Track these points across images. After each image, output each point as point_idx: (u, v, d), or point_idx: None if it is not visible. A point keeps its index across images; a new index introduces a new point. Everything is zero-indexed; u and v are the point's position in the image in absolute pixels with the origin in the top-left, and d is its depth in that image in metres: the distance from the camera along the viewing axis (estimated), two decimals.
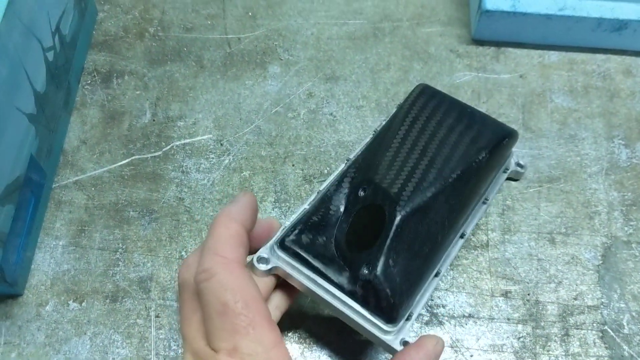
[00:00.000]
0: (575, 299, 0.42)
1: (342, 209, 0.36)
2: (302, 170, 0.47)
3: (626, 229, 0.45)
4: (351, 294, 0.34)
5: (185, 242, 0.44)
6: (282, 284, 0.36)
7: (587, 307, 0.42)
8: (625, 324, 0.42)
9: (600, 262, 0.44)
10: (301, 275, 0.35)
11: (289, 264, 0.35)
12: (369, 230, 0.35)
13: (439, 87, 0.44)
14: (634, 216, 0.45)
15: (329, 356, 0.40)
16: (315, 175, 0.47)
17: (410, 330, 0.34)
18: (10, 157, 0.38)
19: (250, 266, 0.35)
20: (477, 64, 0.53)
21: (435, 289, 0.40)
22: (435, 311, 0.42)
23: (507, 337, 0.41)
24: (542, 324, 0.41)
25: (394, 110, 0.43)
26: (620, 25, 0.51)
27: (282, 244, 0.35)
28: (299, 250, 0.35)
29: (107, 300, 0.42)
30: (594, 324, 0.41)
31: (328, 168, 0.47)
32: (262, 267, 0.35)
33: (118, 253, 0.43)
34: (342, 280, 0.34)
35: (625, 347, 0.41)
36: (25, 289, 0.42)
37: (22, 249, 0.41)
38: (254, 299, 0.31)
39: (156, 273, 0.43)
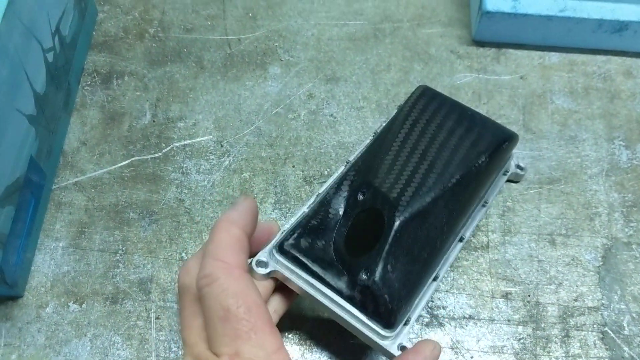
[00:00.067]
0: (575, 300, 0.42)
1: (341, 212, 0.36)
2: (303, 171, 0.47)
3: (626, 230, 0.45)
4: (349, 299, 0.34)
5: (185, 244, 0.44)
6: (281, 287, 0.36)
7: (587, 308, 0.42)
8: (625, 325, 0.42)
9: (601, 263, 0.44)
10: (300, 280, 0.35)
11: (288, 268, 0.35)
12: (368, 234, 0.35)
13: (439, 88, 0.44)
14: (635, 217, 0.45)
15: (329, 358, 0.40)
16: (315, 176, 0.47)
17: (408, 335, 0.34)
18: (10, 158, 0.38)
19: (249, 270, 0.35)
20: (478, 65, 0.53)
21: (435, 291, 0.40)
22: (435, 312, 0.42)
23: (508, 338, 0.41)
24: (543, 325, 0.41)
25: (395, 111, 0.43)
26: (620, 27, 0.51)
27: (281, 248, 0.35)
28: (297, 255, 0.35)
29: (107, 302, 0.41)
30: (595, 326, 0.41)
31: (328, 169, 0.47)
32: (261, 270, 0.35)
33: (118, 254, 0.43)
34: (341, 285, 0.34)
35: (625, 348, 0.41)
36: (25, 291, 0.42)
37: (22, 251, 0.41)
38: (256, 304, 0.31)
39: (156, 274, 0.43)
